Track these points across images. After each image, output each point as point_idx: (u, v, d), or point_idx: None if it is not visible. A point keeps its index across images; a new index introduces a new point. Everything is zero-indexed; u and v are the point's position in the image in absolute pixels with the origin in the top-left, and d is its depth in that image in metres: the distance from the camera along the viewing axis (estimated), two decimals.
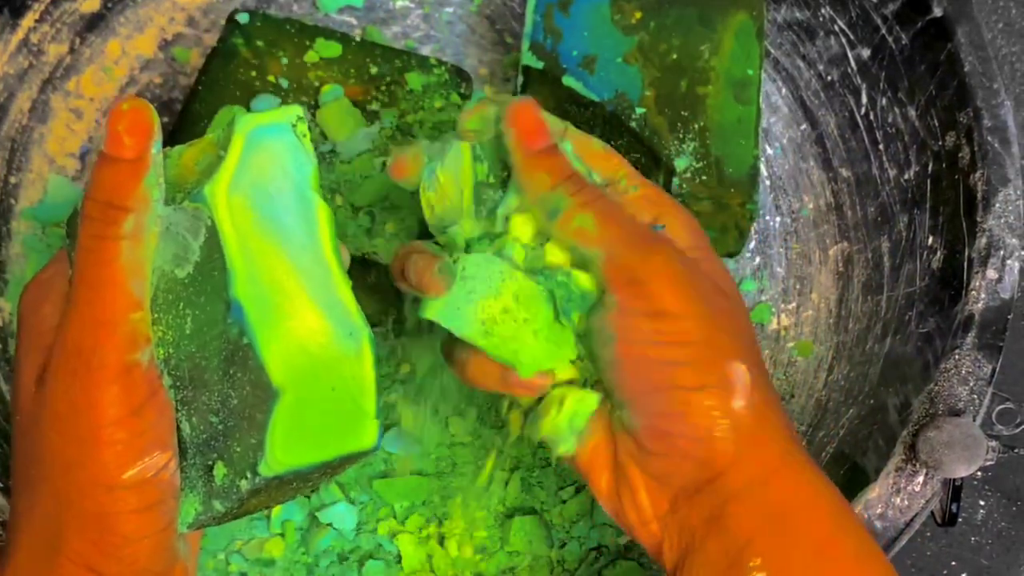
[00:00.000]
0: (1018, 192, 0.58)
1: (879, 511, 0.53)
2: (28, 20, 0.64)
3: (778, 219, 0.69)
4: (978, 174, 0.59)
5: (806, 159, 0.70)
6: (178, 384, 0.43)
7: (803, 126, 0.70)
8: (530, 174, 0.47)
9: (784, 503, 0.43)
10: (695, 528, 0.44)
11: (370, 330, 0.44)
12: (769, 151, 0.70)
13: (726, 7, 0.64)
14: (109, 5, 0.67)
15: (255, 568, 0.58)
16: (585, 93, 0.62)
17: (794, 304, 0.67)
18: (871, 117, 0.67)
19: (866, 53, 0.67)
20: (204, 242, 0.43)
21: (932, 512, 0.53)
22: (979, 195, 0.59)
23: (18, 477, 0.44)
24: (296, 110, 0.44)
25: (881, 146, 0.66)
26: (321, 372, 0.43)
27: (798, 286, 0.68)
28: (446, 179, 0.49)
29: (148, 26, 0.68)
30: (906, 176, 0.65)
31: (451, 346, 0.49)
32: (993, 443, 0.50)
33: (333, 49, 0.63)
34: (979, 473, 0.51)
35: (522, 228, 0.48)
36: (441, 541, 0.59)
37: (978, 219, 0.58)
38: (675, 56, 0.62)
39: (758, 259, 0.68)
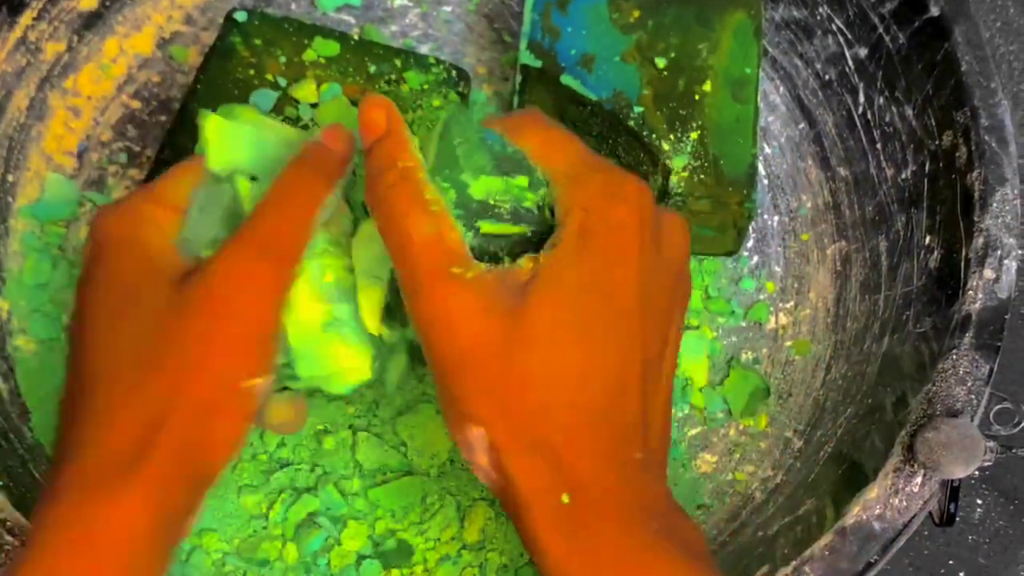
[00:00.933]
0: (1015, 192, 0.59)
1: (877, 512, 0.53)
2: (26, 18, 0.64)
3: (776, 218, 0.69)
4: (975, 173, 0.59)
5: (804, 158, 0.70)
6: None
7: (801, 125, 0.70)
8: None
9: (528, 539, 0.43)
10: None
11: None
12: (767, 150, 0.70)
13: (724, 6, 0.64)
14: (107, 3, 0.67)
15: (252, 568, 0.58)
16: (583, 92, 0.62)
17: (792, 303, 0.67)
18: (868, 116, 0.67)
19: (863, 52, 0.67)
20: None
21: (930, 513, 0.53)
22: (976, 195, 0.59)
23: (100, 373, 0.45)
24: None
25: (878, 145, 0.67)
26: None
27: (796, 285, 0.68)
28: None
29: (146, 24, 0.68)
30: (903, 175, 0.65)
31: None
32: (991, 443, 0.50)
33: (331, 48, 0.63)
34: (976, 472, 0.51)
35: None
36: (437, 539, 0.59)
37: (975, 219, 0.58)
38: (673, 55, 0.62)
39: (756, 258, 0.68)
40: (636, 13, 0.63)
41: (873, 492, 0.53)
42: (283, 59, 0.62)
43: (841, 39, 0.68)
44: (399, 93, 0.62)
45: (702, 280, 0.66)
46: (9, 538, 0.50)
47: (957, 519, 0.52)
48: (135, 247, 0.47)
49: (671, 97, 0.62)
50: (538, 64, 0.62)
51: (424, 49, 0.70)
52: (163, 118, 0.67)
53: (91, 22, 0.67)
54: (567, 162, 0.47)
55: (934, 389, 0.55)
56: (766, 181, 0.70)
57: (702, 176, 0.60)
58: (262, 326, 0.45)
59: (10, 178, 0.64)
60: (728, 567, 0.57)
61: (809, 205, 0.69)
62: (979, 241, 0.58)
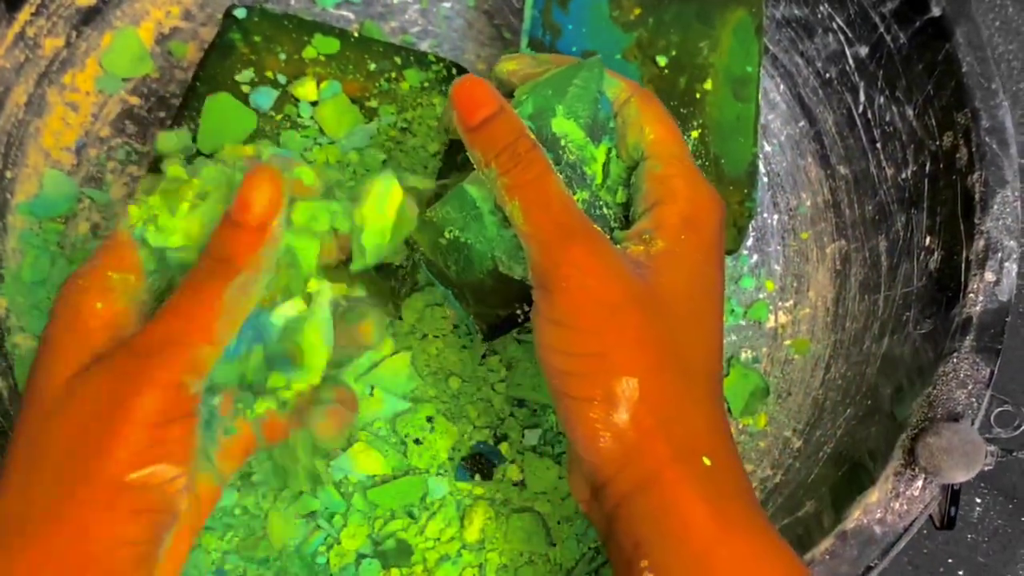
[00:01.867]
0: (1016, 194, 0.58)
1: (878, 516, 0.53)
2: (24, 14, 0.64)
3: (776, 216, 0.69)
4: (976, 175, 0.59)
5: (804, 156, 0.70)
6: None
7: (801, 123, 0.70)
8: (471, 152, 0.48)
9: (664, 509, 0.43)
10: (603, 521, 0.46)
11: None
12: (767, 148, 0.70)
13: (725, 3, 0.64)
14: None
15: (252, 567, 0.58)
16: None
17: (791, 302, 0.67)
18: (869, 115, 0.67)
19: (864, 51, 0.67)
20: None
21: (931, 516, 0.53)
22: (977, 197, 0.59)
23: (16, 457, 0.44)
24: None
25: (879, 144, 0.66)
26: None
27: (795, 284, 0.68)
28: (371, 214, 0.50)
29: (144, 20, 0.68)
30: (903, 175, 0.65)
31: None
32: (992, 447, 0.51)
33: (331, 45, 0.63)
34: None
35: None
36: (437, 539, 0.59)
37: (976, 221, 0.58)
38: (674, 53, 0.62)
39: (756, 256, 0.68)
40: (637, 11, 0.63)
41: (874, 496, 0.53)
42: (283, 56, 0.62)
43: (842, 38, 0.68)
44: (398, 91, 0.62)
45: None
46: None
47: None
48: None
49: (672, 95, 0.62)
50: None
51: (424, 45, 0.70)
52: (162, 114, 0.67)
53: (89, 17, 0.66)
54: (683, 152, 0.49)
55: (935, 392, 0.55)
56: (766, 179, 0.70)
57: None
58: (146, 424, 0.43)
59: (8, 174, 0.63)
60: None
61: (809, 203, 0.69)
62: (980, 243, 0.58)
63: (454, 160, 0.62)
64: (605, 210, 0.50)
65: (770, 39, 0.70)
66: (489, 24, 0.71)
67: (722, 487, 0.44)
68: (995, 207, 0.58)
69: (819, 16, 0.68)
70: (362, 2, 0.70)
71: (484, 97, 0.47)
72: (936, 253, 0.61)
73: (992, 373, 0.54)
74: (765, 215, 0.69)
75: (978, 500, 0.72)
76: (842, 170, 0.69)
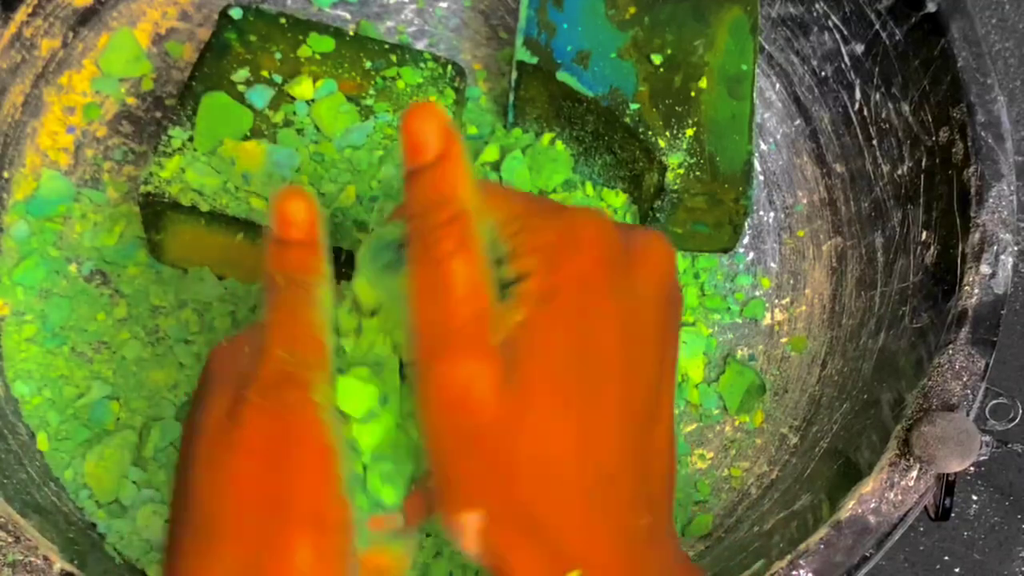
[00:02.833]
0: (1011, 187, 0.59)
1: (872, 506, 0.53)
2: (21, 14, 0.64)
3: (772, 214, 0.69)
4: (971, 169, 0.59)
5: (800, 154, 0.70)
6: None
7: (797, 121, 0.70)
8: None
9: None
10: None
11: None
12: (763, 146, 0.70)
13: (720, 2, 0.64)
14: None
15: None
16: (579, 88, 0.62)
17: (788, 299, 0.67)
18: (865, 112, 0.67)
19: (860, 48, 0.67)
20: None
21: (925, 507, 0.53)
22: (972, 190, 0.59)
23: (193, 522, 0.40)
24: None
25: (875, 141, 0.67)
26: None
27: (792, 281, 0.68)
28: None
29: (141, 20, 0.68)
30: (899, 172, 0.65)
31: None
32: (986, 438, 0.51)
33: (327, 44, 0.63)
34: (972, 468, 0.51)
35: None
36: (437, 535, 0.59)
37: (972, 214, 0.58)
38: (669, 51, 0.63)
39: (752, 254, 0.68)
40: (632, 9, 0.63)
41: (868, 486, 0.53)
42: (278, 55, 0.62)
43: (837, 35, 0.68)
44: (394, 89, 0.62)
45: (698, 277, 0.66)
46: (2, 534, 0.50)
47: (952, 515, 0.52)
48: None
49: (667, 94, 0.62)
50: (534, 60, 0.62)
51: (420, 45, 0.70)
52: (158, 114, 0.67)
53: (86, 18, 0.67)
54: (510, 211, 0.40)
55: (930, 384, 0.55)
56: (762, 177, 0.70)
57: (698, 173, 0.61)
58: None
59: (5, 175, 0.64)
60: (724, 562, 0.57)
61: (805, 201, 0.69)
62: (975, 237, 0.58)
63: None
64: None
65: (765, 37, 0.71)
66: (485, 23, 0.71)
67: None
68: (991, 200, 0.58)
69: (815, 14, 0.69)
70: (358, 2, 0.70)
71: (427, 136, 0.39)
72: (932, 248, 0.61)
73: (987, 365, 0.54)
74: (761, 213, 0.69)
75: (975, 497, 0.72)
76: (838, 167, 0.69)
